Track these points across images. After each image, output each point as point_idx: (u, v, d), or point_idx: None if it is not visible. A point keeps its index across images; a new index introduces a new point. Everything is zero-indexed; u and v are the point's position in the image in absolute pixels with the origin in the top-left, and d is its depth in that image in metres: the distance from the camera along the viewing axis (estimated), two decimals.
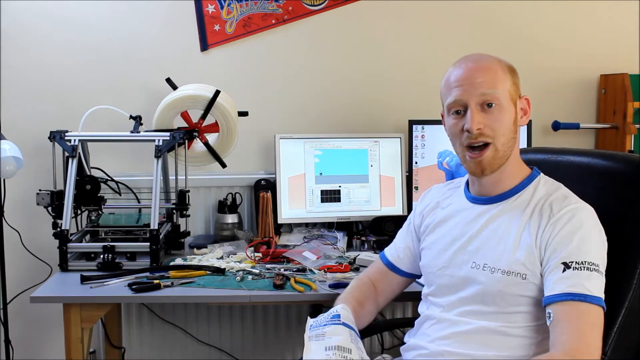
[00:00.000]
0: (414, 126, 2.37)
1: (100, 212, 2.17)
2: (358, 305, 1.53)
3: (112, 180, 2.35)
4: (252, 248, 2.10)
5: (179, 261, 2.02)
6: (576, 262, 1.24)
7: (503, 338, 1.31)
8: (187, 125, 2.23)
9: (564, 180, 1.42)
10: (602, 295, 1.24)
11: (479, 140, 1.34)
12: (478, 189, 1.43)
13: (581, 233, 1.27)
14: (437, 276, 1.45)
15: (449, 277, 1.42)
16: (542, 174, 1.42)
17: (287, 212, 2.32)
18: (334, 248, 2.15)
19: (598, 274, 1.24)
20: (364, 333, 1.52)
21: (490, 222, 1.38)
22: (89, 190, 2.09)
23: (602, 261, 1.27)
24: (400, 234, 1.64)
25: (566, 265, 1.25)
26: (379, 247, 2.17)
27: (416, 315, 1.53)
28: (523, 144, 2.35)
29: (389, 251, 1.64)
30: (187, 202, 2.15)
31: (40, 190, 2.03)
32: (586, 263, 1.24)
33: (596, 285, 1.23)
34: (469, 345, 1.34)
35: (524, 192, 1.38)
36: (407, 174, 2.40)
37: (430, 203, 1.56)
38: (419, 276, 1.59)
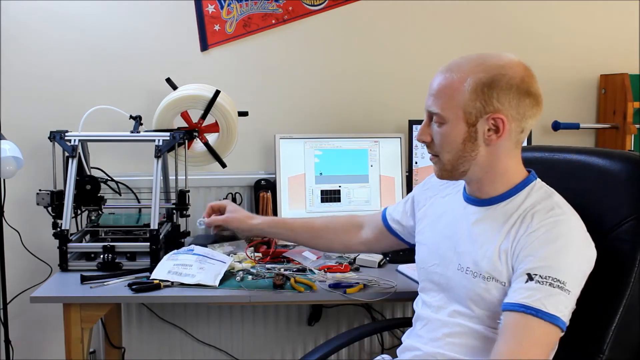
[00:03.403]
0: (414, 126, 2.37)
1: (100, 212, 2.17)
2: (305, 230, 1.77)
3: (112, 180, 2.35)
4: (252, 248, 2.10)
5: None
6: (540, 276, 1.21)
7: (488, 344, 1.30)
8: (187, 125, 2.23)
9: (562, 178, 1.41)
10: (561, 314, 1.20)
11: (428, 151, 1.38)
12: (469, 190, 1.42)
13: (555, 247, 1.23)
14: (429, 273, 1.46)
15: (439, 275, 1.43)
16: (538, 179, 1.38)
17: (287, 212, 2.32)
18: None
19: (561, 292, 1.20)
20: (364, 333, 1.52)
21: (478, 225, 1.37)
22: (89, 190, 2.09)
23: (572, 278, 1.22)
24: (404, 198, 1.71)
25: (529, 277, 1.22)
26: None
27: None
28: (523, 144, 2.35)
29: (390, 207, 1.72)
30: (187, 202, 2.15)
31: (40, 190, 2.03)
32: (550, 278, 1.20)
33: (555, 302, 1.20)
34: (459, 349, 1.33)
35: (514, 198, 1.34)
36: (407, 174, 2.40)
37: (432, 186, 1.56)
38: (405, 242, 1.67)
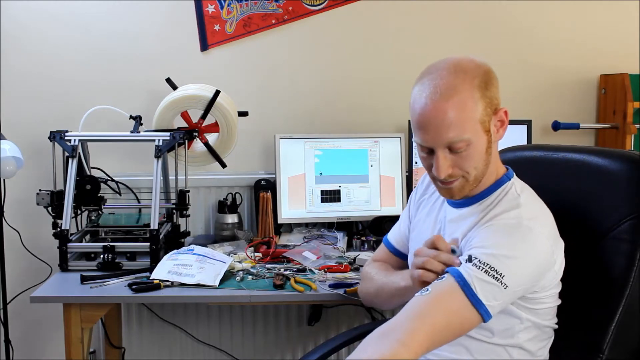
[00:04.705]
0: None
1: (100, 212, 2.17)
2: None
3: (112, 180, 2.35)
4: (252, 248, 2.11)
5: None
6: (479, 260, 1.19)
7: (479, 344, 1.30)
8: (187, 125, 2.23)
9: (561, 177, 1.40)
10: (489, 305, 1.17)
11: (448, 181, 1.30)
12: None
13: (503, 242, 1.21)
14: None
15: None
16: (514, 179, 1.36)
17: (287, 212, 2.32)
18: (334, 248, 2.15)
19: (496, 283, 1.17)
20: (364, 333, 1.51)
21: (450, 224, 1.38)
22: (89, 190, 2.09)
23: (513, 276, 1.19)
24: (402, 216, 1.63)
25: (469, 258, 1.21)
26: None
27: None
28: (522, 143, 2.35)
29: (392, 235, 1.64)
30: (187, 202, 2.15)
31: (40, 190, 2.03)
32: (487, 266, 1.18)
33: (488, 290, 1.17)
34: (450, 348, 1.31)
35: (487, 199, 1.33)
36: (407, 174, 2.40)
37: (422, 193, 1.55)
38: None
